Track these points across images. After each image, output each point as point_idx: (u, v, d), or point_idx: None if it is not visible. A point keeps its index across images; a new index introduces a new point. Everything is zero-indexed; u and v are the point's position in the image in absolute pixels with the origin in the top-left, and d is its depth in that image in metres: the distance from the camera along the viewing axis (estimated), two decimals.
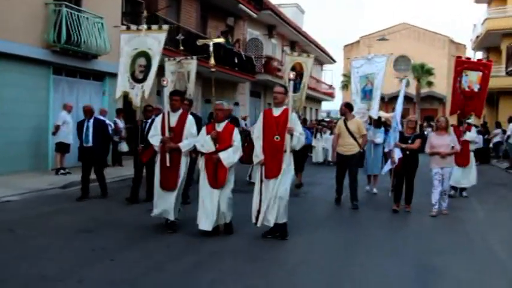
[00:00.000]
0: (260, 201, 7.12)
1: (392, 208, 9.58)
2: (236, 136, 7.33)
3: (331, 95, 46.03)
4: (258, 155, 7.21)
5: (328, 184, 10.76)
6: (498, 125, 23.63)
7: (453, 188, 11.45)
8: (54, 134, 13.35)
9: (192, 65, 11.78)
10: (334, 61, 46.94)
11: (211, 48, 7.87)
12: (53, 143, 13.45)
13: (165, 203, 7.46)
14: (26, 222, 7.98)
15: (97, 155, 10.16)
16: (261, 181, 7.17)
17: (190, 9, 22.09)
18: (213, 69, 8.04)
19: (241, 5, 24.05)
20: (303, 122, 13.41)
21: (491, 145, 22.82)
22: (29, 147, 13.33)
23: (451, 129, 11.29)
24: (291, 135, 7.06)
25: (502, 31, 30.67)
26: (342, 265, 6.15)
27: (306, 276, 5.70)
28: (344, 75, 49.20)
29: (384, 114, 20.54)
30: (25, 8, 12.98)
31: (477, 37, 34.18)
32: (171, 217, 7.46)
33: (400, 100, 10.49)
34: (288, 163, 7.10)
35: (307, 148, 12.54)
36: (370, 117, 11.84)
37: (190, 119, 7.69)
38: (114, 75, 12.41)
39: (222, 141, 7.23)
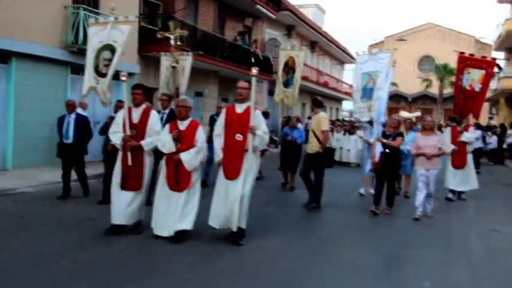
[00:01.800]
0: (221, 202, 6.81)
1: (370, 209, 9.25)
2: (200, 135, 6.84)
3: (352, 95, 46.08)
4: (218, 153, 6.93)
5: (330, 182, 11.05)
6: None
7: (451, 191, 11.24)
8: None
9: (187, 61, 11.49)
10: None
11: (172, 42, 8.31)
12: None
13: (125, 205, 7.01)
14: (35, 212, 8.59)
15: (76, 152, 9.90)
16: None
17: (208, 11, 22.59)
18: (174, 64, 8.63)
19: (259, 6, 24.51)
20: (288, 119, 12.77)
21: (505, 146, 22.83)
22: (45, 142, 13.92)
23: (449, 129, 11.52)
24: (254, 134, 6.69)
25: None
26: (316, 255, 6.61)
27: (281, 266, 6.17)
28: None
29: (406, 115, 19.95)
30: (45, 11, 13.69)
31: (498, 37, 33.99)
32: (135, 219, 7.11)
33: (386, 85, 9.91)
34: (250, 163, 6.72)
35: (299, 148, 11.88)
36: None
37: (153, 114, 7.27)
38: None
39: (184, 141, 6.77)
